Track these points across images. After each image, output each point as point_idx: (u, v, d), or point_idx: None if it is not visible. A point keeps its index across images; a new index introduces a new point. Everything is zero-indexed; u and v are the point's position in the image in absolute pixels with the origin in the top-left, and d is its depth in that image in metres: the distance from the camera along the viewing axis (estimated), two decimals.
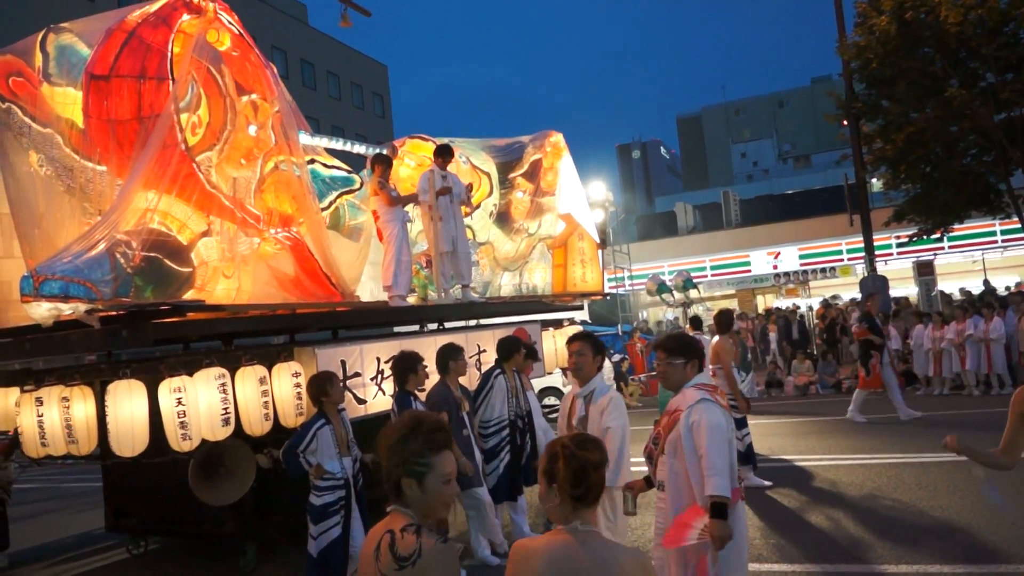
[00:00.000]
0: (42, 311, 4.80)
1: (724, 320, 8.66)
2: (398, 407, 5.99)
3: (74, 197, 5.82)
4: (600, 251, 12.06)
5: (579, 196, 11.42)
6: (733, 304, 28.01)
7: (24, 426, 6.04)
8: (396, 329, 9.96)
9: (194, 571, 7.10)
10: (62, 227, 5.72)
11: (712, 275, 29.09)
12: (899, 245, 24.67)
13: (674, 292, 18.91)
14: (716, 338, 8.51)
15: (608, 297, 16.72)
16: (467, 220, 9.45)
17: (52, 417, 5.83)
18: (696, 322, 11.33)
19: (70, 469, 14.12)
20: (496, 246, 10.53)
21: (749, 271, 29.02)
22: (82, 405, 5.79)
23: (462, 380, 6.73)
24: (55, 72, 6.05)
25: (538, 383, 11.74)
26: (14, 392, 6.46)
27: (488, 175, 10.44)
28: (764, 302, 29.54)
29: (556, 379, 13.42)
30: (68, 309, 4.80)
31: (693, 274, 20.88)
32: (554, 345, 9.94)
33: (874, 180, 22.45)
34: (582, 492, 2.20)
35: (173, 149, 5.37)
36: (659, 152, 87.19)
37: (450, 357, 6.46)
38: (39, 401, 5.90)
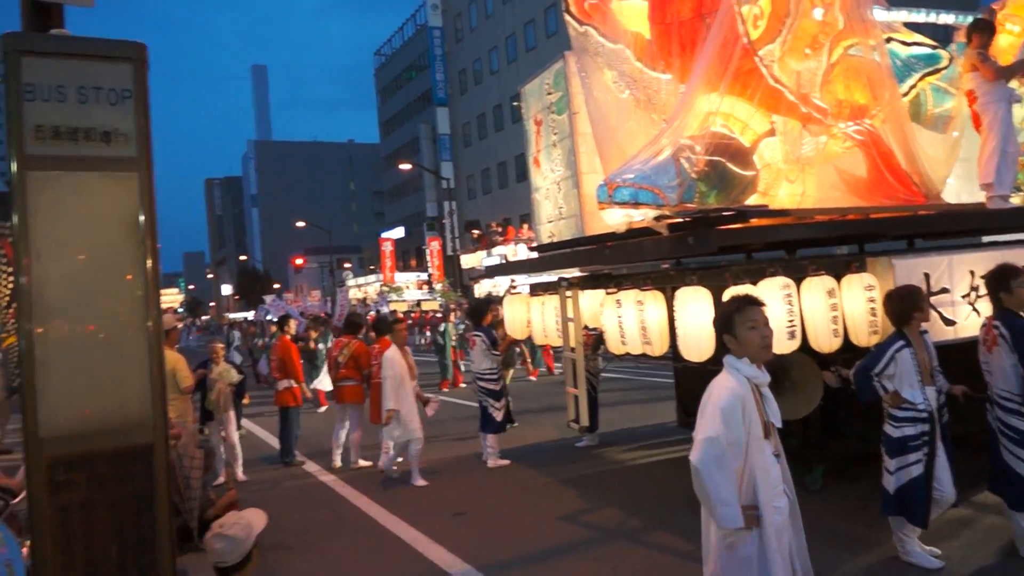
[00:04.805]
0: (616, 217, 5.08)
1: None
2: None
3: (640, 108, 6.01)
4: None
5: None
6: None
7: (606, 325, 6.66)
8: (990, 239, 8.29)
9: None
10: (633, 138, 5.98)
11: None
12: None
13: None
14: None
15: None
16: None
17: (629, 318, 6.29)
18: None
19: (648, 363, 15.70)
20: None
21: None
22: (654, 309, 6.10)
23: None
24: None
25: None
26: (599, 294, 7.17)
27: None
28: None
29: None
30: (638, 215, 4.99)
31: None
32: None
33: None
34: None
35: (734, 45, 5.08)
36: None
37: None
38: (618, 303, 6.42)
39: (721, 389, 3.05)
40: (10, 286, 5.03)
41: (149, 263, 2.92)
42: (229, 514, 3.17)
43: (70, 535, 2.90)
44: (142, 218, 2.91)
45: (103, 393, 2.92)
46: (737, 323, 3.10)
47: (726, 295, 5.32)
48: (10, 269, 5.13)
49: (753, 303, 3.17)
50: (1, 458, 8.20)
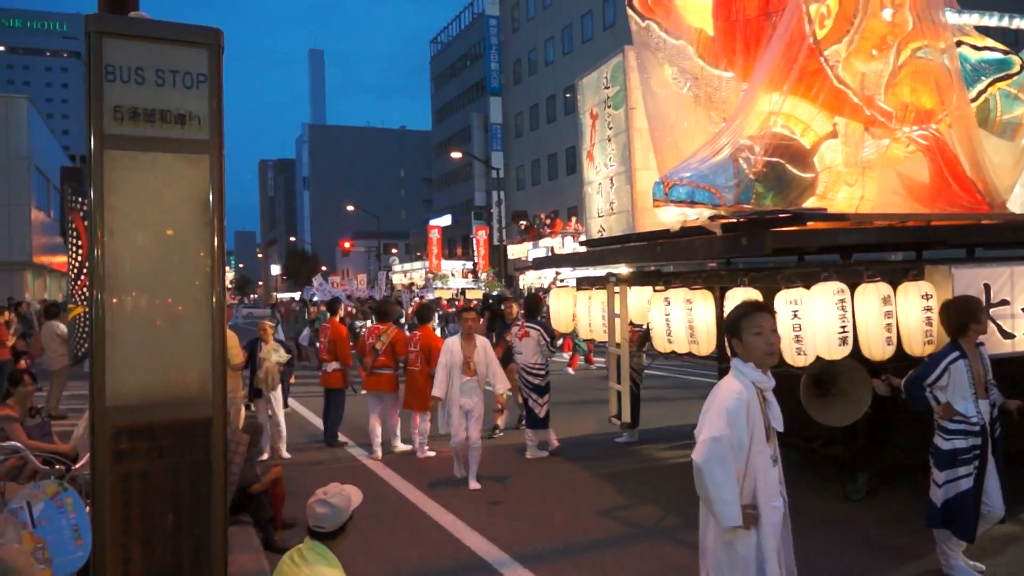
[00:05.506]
0: (671, 215, 5.06)
1: None
2: None
3: (700, 106, 5.96)
4: None
5: None
6: None
7: (654, 322, 6.63)
8: None
9: (800, 484, 7.00)
10: (690, 136, 5.93)
11: None
12: None
13: None
14: None
15: None
16: None
17: (677, 317, 6.25)
18: None
19: (692, 362, 15.56)
20: None
21: None
22: (703, 308, 6.06)
23: None
24: None
25: None
26: (647, 291, 7.14)
27: None
28: None
29: None
30: (693, 214, 4.96)
31: None
32: None
33: None
34: None
35: (800, 44, 5.00)
36: None
37: None
38: (667, 301, 6.39)
39: (727, 391, 3.13)
40: (79, 259, 5.22)
41: (216, 242, 3.02)
42: (332, 484, 3.32)
43: (130, 502, 3.01)
44: (211, 198, 3.01)
45: (167, 366, 3.02)
46: (744, 328, 3.16)
47: (778, 298, 5.28)
48: (79, 243, 5.32)
49: (760, 309, 3.27)
50: (57, 423, 8.53)
